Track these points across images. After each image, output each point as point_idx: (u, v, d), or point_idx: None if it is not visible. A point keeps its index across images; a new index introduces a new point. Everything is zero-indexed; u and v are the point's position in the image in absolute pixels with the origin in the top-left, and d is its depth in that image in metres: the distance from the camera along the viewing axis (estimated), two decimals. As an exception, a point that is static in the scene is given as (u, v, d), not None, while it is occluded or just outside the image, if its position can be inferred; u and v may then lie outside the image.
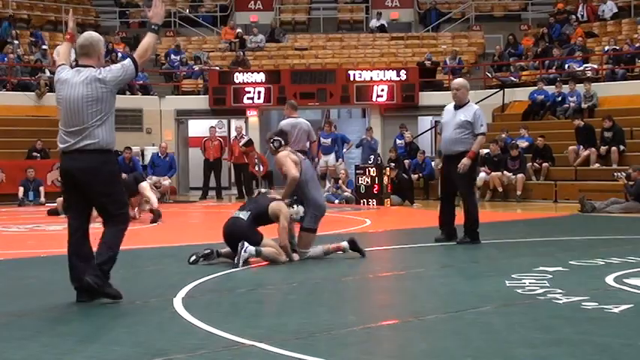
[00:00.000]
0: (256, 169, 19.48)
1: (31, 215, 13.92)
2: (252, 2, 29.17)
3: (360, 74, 22.21)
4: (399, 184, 17.96)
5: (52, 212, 14.57)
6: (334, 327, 5.01)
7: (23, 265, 8.44)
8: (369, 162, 18.23)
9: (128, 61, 6.04)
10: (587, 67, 21.88)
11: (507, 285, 6.47)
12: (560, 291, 6.11)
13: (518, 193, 17.85)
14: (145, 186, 13.40)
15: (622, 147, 17.89)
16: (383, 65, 23.74)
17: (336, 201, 18.21)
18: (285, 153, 8.28)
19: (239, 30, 26.48)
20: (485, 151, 18.12)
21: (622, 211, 14.51)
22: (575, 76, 21.29)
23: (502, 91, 21.91)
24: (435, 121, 19.20)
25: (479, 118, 9.44)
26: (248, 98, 22.21)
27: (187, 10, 28.91)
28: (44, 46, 23.75)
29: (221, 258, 7.94)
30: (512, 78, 22.84)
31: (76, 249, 5.94)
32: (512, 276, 6.85)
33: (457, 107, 9.56)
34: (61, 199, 14.63)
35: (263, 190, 9.06)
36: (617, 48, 22.20)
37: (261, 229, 8.03)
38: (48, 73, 22.68)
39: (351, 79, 22.05)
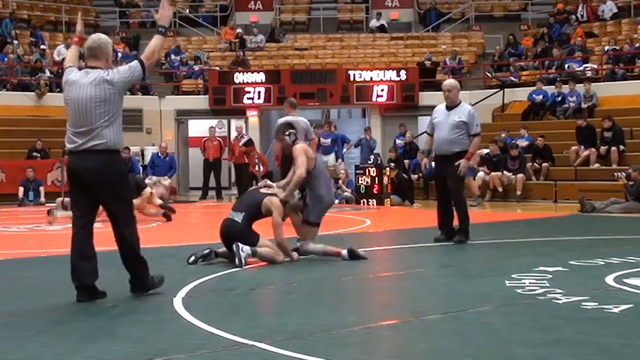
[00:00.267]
0: (256, 169, 19.47)
1: (31, 215, 13.92)
2: (252, 2, 29.18)
3: (360, 74, 22.21)
4: (399, 184, 17.96)
5: (49, 212, 14.54)
6: (334, 327, 5.01)
7: (23, 265, 8.44)
8: (369, 162, 18.24)
9: (135, 62, 6.10)
10: (587, 67, 21.88)
11: (507, 285, 6.47)
12: (560, 291, 6.11)
13: (518, 193, 17.85)
14: (151, 192, 13.39)
15: (622, 147, 17.90)
16: (383, 65, 23.74)
17: (336, 201, 18.17)
18: (303, 146, 8.27)
19: (239, 30, 26.48)
20: (486, 151, 18.13)
21: (622, 211, 14.51)
22: (575, 76, 21.29)
23: (502, 91, 21.91)
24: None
25: (473, 118, 9.50)
26: (248, 98, 22.21)
27: (187, 10, 28.91)
28: (44, 46, 23.76)
29: (219, 258, 7.94)
30: (512, 78, 22.85)
31: (79, 248, 5.97)
32: (512, 276, 6.85)
33: (449, 108, 9.58)
34: (61, 198, 14.66)
35: (254, 187, 8.90)
36: (617, 48, 22.20)
37: (260, 228, 8.03)
38: (48, 73, 22.70)
39: (351, 79, 22.05)
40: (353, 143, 20.68)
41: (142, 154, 21.33)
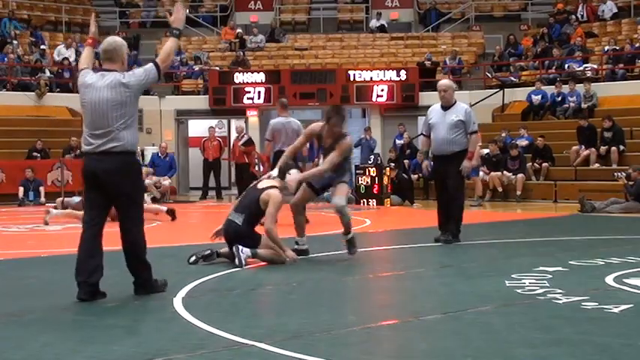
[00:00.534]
0: (256, 169, 19.47)
1: (31, 215, 13.91)
2: (252, 2, 29.17)
3: (360, 74, 22.21)
4: (399, 184, 17.96)
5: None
6: (334, 327, 5.01)
7: (23, 265, 8.43)
8: (369, 162, 18.24)
9: (151, 65, 6.18)
10: (587, 67, 21.88)
11: (507, 285, 6.47)
12: (560, 291, 6.11)
13: (518, 193, 17.85)
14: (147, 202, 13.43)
15: (622, 147, 17.91)
16: (383, 65, 23.74)
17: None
18: (349, 144, 8.32)
19: (239, 30, 26.48)
20: (485, 151, 18.13)
21: (622, 211, 14.52)
22: (575, 76, 21.29)
23: (502, 91, 21.91)
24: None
25: (470, 116, 9.55)
26: (248, 98, 22.21)
27: (187, 10, 28.86)
28: (44, 46, 23.76)
29: (221, 258, 7.93)
30: (512, 78, 22.85)
31: (87, 246, 6.04)
32: (512, 276, 6.85)
33: (445, 108, 9.61)
34: (60, 199, 14.66)
35: (252, 185, 8.77)
36: (617, 48, 22.20)
37: (261, 228, 8.01)
38: (48, 73, 22.71)
39: (351, 79, 22.06)
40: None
41: (142, 154, 21.32)
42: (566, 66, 22.05)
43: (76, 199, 14.15)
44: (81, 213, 13.16)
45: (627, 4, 25.43)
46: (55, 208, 14.29)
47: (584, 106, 20.06)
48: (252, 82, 22.28)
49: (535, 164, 18.43)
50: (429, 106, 10.12)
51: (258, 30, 26.58)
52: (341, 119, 8.23)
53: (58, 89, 22.77)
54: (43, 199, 18.39)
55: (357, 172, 17.96)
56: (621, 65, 21.40)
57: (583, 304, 5.64)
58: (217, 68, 23.90)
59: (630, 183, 15.09)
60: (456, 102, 9.70)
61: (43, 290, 6.70)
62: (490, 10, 28.41)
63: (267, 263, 7.82)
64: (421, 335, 4.90)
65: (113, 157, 5.99)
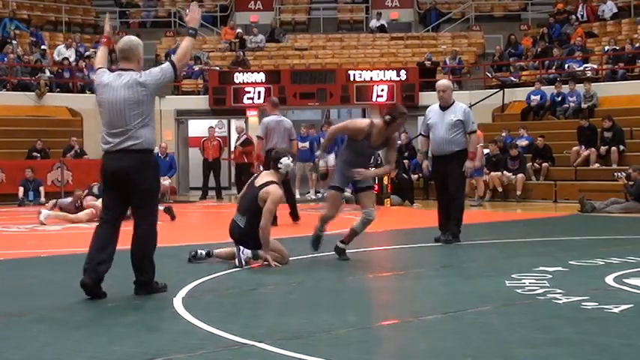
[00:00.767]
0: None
1: (31, 215, 13.89)
2: (252, 2, 29.17)
3: (360, 74, 22.20)
4: (399, 184, 17.96)
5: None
6: (334, 327, 5.01)
7: (23, 265, 8.44)
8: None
9: (167, 64, 6.27)
10: (587, 67, 21.88)
11: (507, 285, 6.47)
12: (560, 291, 6.11)
13: (518, 193, 17.85)
14: None
15: (622, 147, 17.90)
16: (383, 65, 23.73)
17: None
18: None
19: (239, 30, 26.47)
20: (485, 151, 18.12)
21: (622, 211, 14.52)
22: (575, 76, 21.29)
23: (502, 91, 21.91)
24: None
25: (469, 116, 9.56)
26: (248, 98, 22.19)
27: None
28: (44, 46, 23.76)
29: (215, 258, 7.95)
30: (512, 78, 22.85)
31: (101, 241, 6.12)
32: (512, 276, 6.85)
33: (444, 108, 9.61)
34: (54, 200, 14.67)
35: (249, 182, 8.66)
36: (617, 48, 22.20)
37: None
38: (48, 73, 22.70)
39: (351, 79, 22.04)
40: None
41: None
42: (566, 66, 22.05)
43: (68, 199, 14.16)
44: (72, 216, 13.29)
45: (627, 4, 25.43)
46: (47, 208, 14.32)
47: (584, 106, 20.05)
48: (252, 82, 22.27)
49: (535, 164, 18.42)
50: (429, 106, 10.12)
51: (258, 30, 26.58)
52: (405, 120, 8.24)
53: (58, 89, 22.76)
54: (43, 199, 18.39)
55: (357, 172, 17.92)
56: (621, 65, 21.40)
57: (583, 304, 5.64)
58: (217, 68, 23.89)
59: (630, 183, 15.08)
60: (454, 102, 9.71)
61: (43, 290, 6.70)
62: (490, 10, 28.40)
63: (268, 263, 7.81)
64: (421, 335, 4.90)
65: (131, 155, 6.06)
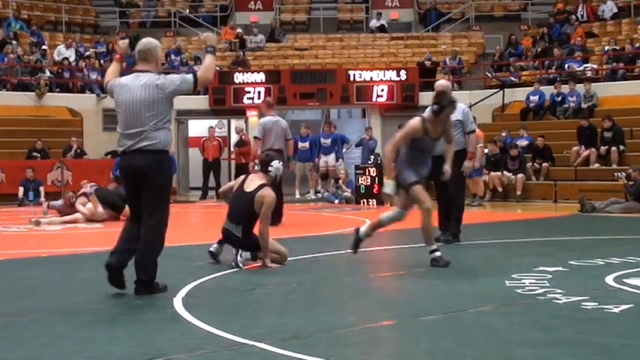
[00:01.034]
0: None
1: (31, 215, 13.89)
2: (252, 2, 29.18)
3: (360, 74, 22.20)
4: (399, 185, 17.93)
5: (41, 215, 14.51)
6: (334, 327, 5.01)
7: (23, 265, 8.44)
8: (369, 162, 18.25)
9: (190, 75, 6.39)
10: (587, 67, 21.88)
11: (507, 285, 6.48)
12: (560, 291, 6.11)
13: (518, 193, 17.85)
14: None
15: (622, 147, 17.90)
16: (383, 65, 23.73)
17: (336, 201, 18.24)
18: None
19: (239, 30, 26.47)
20: (485, 150, 18.13)
21: (622, 211, 14.52)
22: (575, 76, 21.29)
23: (502, 91, 21.91)
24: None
25: (468, 116, 9.57)
26: (248, 98, 22.20)
27: (187, 10, 28.90)
28: (44, 47, 23.77)
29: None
30: (512, 78, 22.84)
31: (126, 233, 6.31)
32: (512, 276, 6.85)
33: None
34: (47, 203, 14.71)
35: (236, 182, 8.37)
36: (617, 48, 22.19)
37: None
38: (48, 73, 22.70)
39: (351, 79, 22.04)
40: (352, 143, 20.73)
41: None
42: (566, 66, 22.05)
43: (59, 202, 14.16)
44: (67, 217, 13.30)
45: (627, 4, 25.43)
46: (44, 212, 14.33)
47: (584, 106, 20.05)
48: (252, 82, 22.28)
49: (535, 164, 18.42)
50: (428, 107, 10.12)
51: (258, 30, 26.58)
52: (454, 108, 8.12)
53: (58, 89, 22.76)
54: (42, 199, 18.38)
55: (357, 172, 17.96)
56: (621, 65, 21.40)
57: (583, 304, 5.64)
58: (217, 68, 23.88)
59: (630, 183, 15.09)
60: None
61: (43, 290, 6.70)
62: (490, 10, 28.41)
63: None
64: (421, 335, 4.89)
65: (146, 155, 6.16)
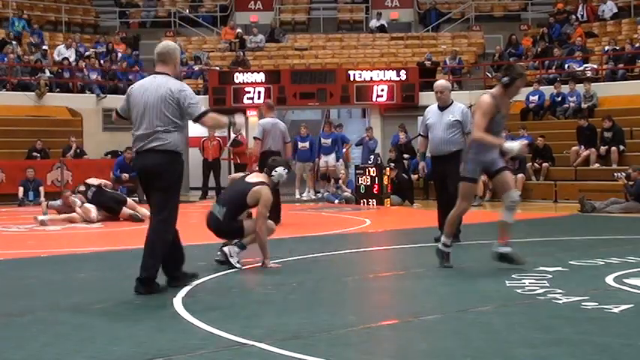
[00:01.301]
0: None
1: (31, 215, 13.88)
2: (252, 2, 29.18)
3: (360, 74, 22.20)
4: (398, 184, 17.96)
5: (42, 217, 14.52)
6: (334, 327, 5.01)
7: (23, 265, 8.43)
8: (369, 162, 18.25)
9: (204, 107, 6.44)
10: (587, 67, 21.88)
11: (507, 285, 6.47)
12: (560, 291, 6.11)
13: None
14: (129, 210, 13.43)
15: (622, 147, 17.90)
16: (383, 65, 23.73)
17: (336, 201, 18.23)
18: None
19: (239, 30, 26.48)
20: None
21: (622, 211, 14.52)
22: (575, 76, 21.29)
23: (502, 91, 21.86)
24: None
25: (467, 116, 9.56)
26: (248, 98, 22.20)
27: (187, 10, 28.91)
28: (44, 46, 23.76)
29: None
30: (513, 78, 22.80)
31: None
32: (512, 276, 6.85)
33: (442, 108, 9.62)
34: (45, 203, 14.71)
35: (241, 174, 8.50)
36: (617, 48, 22.19)
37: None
38: (48, 73, 22.70)
39: (351, 79, 22.04)
40: (352, 144, 20.73)
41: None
42: (566, 66, 22.05)
43: (58, 202, 14.16)
44: (64, 215, 13.32)
45: (627, 4, 25.43)
46: (44, 212, 14.32)
47: (584, 106, 20.05)
48: (252, 82, 22.28)
49: (535, 164, 18.43)
50: (428, 106, 10.12)
51: (258, 30, 26.58)
52: (524, 81, 7.75)
53: (58, 89, 22.75)
54: (42, 199, 18.36)
55: (357, 172, 17.96)
56: (621, 65, 21.39)
57: (583, 304, 5.64)
58: (217, 68, 23.89)
59: (630, 183, 15.09)
60: (452, 102, 9.73)
61: (43, 290, 6.70)
62: (490, 10, 28.41)
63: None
64: (421, 335, 4.90)
65: (158, 155, 6.22)
